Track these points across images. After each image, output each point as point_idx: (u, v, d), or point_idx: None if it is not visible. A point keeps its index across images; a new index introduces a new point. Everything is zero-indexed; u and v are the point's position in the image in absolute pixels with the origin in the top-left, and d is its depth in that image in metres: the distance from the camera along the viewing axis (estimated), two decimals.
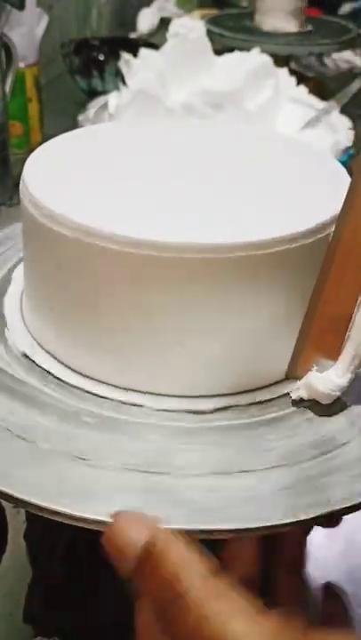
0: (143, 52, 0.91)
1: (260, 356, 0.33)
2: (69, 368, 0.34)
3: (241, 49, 0.94)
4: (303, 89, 0.93)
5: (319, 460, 0.29)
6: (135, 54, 0.91)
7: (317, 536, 0.45)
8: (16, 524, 0.46)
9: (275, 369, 0.34)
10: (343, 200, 0.31)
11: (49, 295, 0.34)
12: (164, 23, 1.19)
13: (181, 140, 0.40)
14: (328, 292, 0.32)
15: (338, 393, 0.31)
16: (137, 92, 0.85)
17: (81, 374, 0.34)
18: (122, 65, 0.91)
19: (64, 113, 1.00)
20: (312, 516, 0.27)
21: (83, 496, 0.27)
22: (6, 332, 0.36)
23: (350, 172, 0.33)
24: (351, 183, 0.31)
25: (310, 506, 0.27)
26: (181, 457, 0.29)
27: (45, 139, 0.39)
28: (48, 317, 0.34)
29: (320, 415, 0.32)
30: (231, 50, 0.95)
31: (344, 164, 0.38)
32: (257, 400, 0.33)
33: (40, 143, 0.39)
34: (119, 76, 0.92)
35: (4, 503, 0.38)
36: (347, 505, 0.27)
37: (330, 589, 0.34)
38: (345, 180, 0.33)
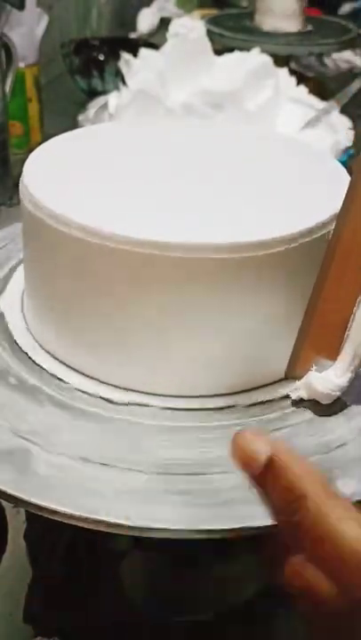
0: (143, 52, 0.91)
1: (260, 355, 0.33)
2: (70, 367, 0.34)
3: (241, 49, 0.94)
4: (303, 89, 0.93)
5: (319, 460, 0.29)
6: (135, 54, 0.91)
7: None
8: (16, 524, 0.46)
9: (275, 369, 0.34)
10: (343, 200, 0.31)
11: (49, 295, 0.34)
12: (164, 23, 1.19)
13: (181, 140, 0.40)
14: (328, 292, 0.32)
15: (338, 393, 0.31)
16: (137, 92, 0.85)
17: (81, 374, 0.34)
18: (122, 65, 0.91)
19: (64, 113, 1.00)
20: None
21: (83, 496, 0.27)
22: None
23: (350, 172, 0.33)
24: (351, 183, 0.31)
25: None
26: (181, 456, 0.29)
27: (45, 139, 0.39)
28: (48, 317, 0.34)
29: (320, 415, 0.32)
30: (231, 50, 0.95)
31: (344, 164, 0.38)
32: (257, 400, 0.33)
33: (40, 143, 0.38)
34: (119, 76, 0.92)
35: (4, 503, 0.38)
36: None
37: None
38: (345, 179, 0.33)
